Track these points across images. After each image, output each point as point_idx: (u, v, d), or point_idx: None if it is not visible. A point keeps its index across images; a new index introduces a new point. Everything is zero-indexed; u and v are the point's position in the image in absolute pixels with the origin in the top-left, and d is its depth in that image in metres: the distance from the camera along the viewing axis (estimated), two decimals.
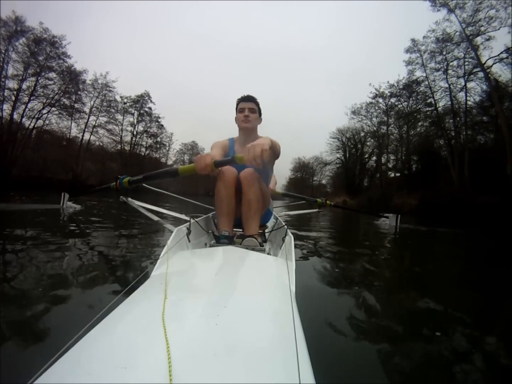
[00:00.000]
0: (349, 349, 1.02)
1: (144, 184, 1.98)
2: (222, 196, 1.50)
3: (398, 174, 24.20)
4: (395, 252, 3.31)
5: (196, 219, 1.63)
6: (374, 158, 28.29)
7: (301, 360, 0.43)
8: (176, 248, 1.14)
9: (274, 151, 1.46)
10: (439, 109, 19.30)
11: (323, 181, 39.25)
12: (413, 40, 19.62)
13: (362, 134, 28.62)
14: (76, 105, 22.50)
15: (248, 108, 1.76)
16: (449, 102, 18.47)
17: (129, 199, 1.95)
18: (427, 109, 20.60)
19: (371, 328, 1.21)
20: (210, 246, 1.41)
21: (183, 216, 1.98)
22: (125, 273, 1.58)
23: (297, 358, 0.43)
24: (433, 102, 19.57)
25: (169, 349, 0.41)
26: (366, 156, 29.54)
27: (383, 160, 25.15)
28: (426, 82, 19.78)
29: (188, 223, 1.49)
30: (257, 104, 1.83)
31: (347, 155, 31.45)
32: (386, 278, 2.10)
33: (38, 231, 2.36)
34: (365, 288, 1.71)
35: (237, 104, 1.83)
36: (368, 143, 28.82)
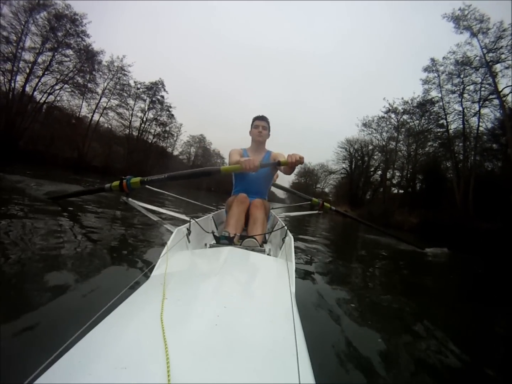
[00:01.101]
0: (348, 349, 1.03)
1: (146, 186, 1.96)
2: (235, 213, 1.74)
3: (401, 191, 24.13)
4: (391, 261, 3.32)
5: (196, 220, 1.63)
6: (380, 172, 28.27)
7: (300, 360, 0.44)
8: (176, 248, 1.14)
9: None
10: (450, 131, 19.22)
11: (326, 189, 39.13)
12: (432, 60, 19.56)
13: (371, 147, 28.57)
14: (89, 85, 22.55)
15: (262, 126, 2.16)
16: (461, 126, 18.38)
17: (130, 199, 1.95)
18: (438, 130, 20.51)
19: (370, 328, 1.23)
20: (210, 247, 1.41)
21: (183, 217, 1.98)
22: (125, 273, 1.58)
23: (297, 358, 0.44)
24: (445, 123, 19.49)
25: (167, 350, 0.42)
26: (371, 170, 29.47)
27: (388, 175, 25.08)
28: (441, 103, 19.70)
29: (188, 223, 1.49)
30: (268, 123, 2.21)
31: (353, 166, 31.35)
32: (384, 282, 2.12)
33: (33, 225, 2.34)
34: (364, 289, 1.73)
35: (253, 121, 2.20)
36: (375, 157, 28.78)
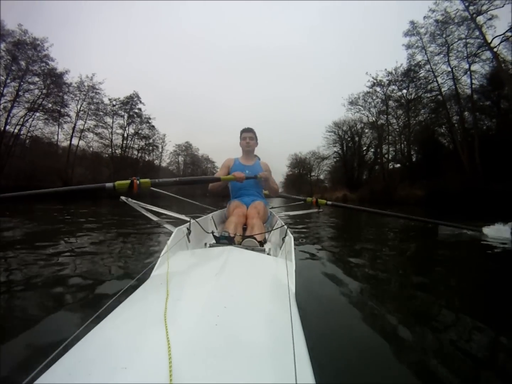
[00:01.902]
0: (349, 349, 1.05)
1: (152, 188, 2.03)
2: (233, 220, 1.87)
3: (398, 165, 24.15)
4: (397, 249, 3.30)
5: (196, 219, 1.66)
6: (372, 150, 28.39)
7: (300, 360, 0.45)
8: (176, 248, 1.16)
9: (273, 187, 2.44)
10: (444, 93, 18.72)
11: (321, 176, 39.32)
12: (412, 23, 19.25)
13: (359, 126, 28.75)
14: (60, 109, 22.16)
15: (249, 137, 2.45)
16: (452, 87, 18.01)
17: (129, 199, 1.98)
18: (430, 94, 20.15)
19: (372, 328, 1.24)
20: (210, 246, 1.42)
21: (183, 217, 2.02)
22: (125, 273, 1.62)
23: (294, 358, 0.45)
24: (436, 85, 19.11)
25: (169, 349, 0.42)
26: (364, 149, 29.63)
27: (383, 151, 25.10)
28: (428, 66, 19.33)
29: (188, 223, 1.52)
30: (254, 133, 2.49)
31: (345, 148, 31.53)
32: (388, 278, 2.11)
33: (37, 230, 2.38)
34: (365, 288, 1.74)
35: (241, 134, 2.49)
36: (366, 135, 28.88)
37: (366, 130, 28.16)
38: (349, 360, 0.97)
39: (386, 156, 25.07)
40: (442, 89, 19.03)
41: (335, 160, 33.83)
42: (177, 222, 1.75)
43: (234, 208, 2.14)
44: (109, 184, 2.04)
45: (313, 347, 0.55)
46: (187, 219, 1.63)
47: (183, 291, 0.71)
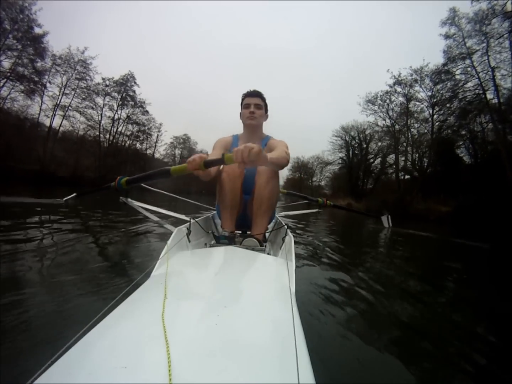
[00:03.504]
0: (349, 349, 1.10)
1: (142, 184, 2.07)
2: (226, 188, 1.60)
3: (407, 176, 24.03)
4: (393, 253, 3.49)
5: (196, 219, 1.75)
6: (380, 158, 28.46)
7: (300, 361, 0.47)
8: (176, 248, 1.22)
9: (277, 162, 1.46)
10: (472, 95, 17.72)
11: (322, 183, 39.84)
12: (453, 10, 17.91)
13: (369, 131, 28.92)
14: (36, 77, 21.01)
15: (254, 104, 1.83)
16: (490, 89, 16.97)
17: (129, 199, 2.06)
18: (462, 95, 18.77)
19: (373, 328, 1.31)
20: (210, 246, 1.51)
21: (183, 216, 2.10)
22: (125, 273, 1.71)
23: (296, 358, 0.47)
24: (472, 86, 17.97)
25: (168, 349, 0.45)
26: (371, 156, 29.89)
27: (399, 159, 24.75)
28: (468, 61, 17.92)
29: (188, 223, 1.60)
30: (264, 100, 1.90)
31: (351, 154, 31.86)
32: (387, 279, 2.23)
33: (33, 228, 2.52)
34: (365, 289, 1.81)
35: (242, 100, 1.89)
36: (374, 142, 28.91)
37: (377, 136, 27.79)
38: (349, 360, 1.02)
39: (406, 164, 24.32)
40: (472, 93, 18.01)
41: (339, 166, 34.25)
42: (177, 222, 1.80)
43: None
44: (112, 184, 2.16)
45: (312, 347, 0.58)
46: (187, 219, 1.71)
47: (183, 291, 0.77)
